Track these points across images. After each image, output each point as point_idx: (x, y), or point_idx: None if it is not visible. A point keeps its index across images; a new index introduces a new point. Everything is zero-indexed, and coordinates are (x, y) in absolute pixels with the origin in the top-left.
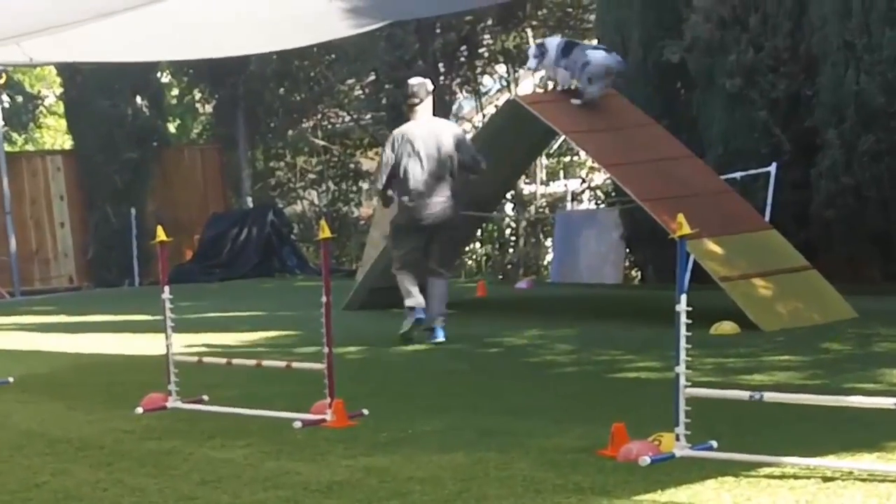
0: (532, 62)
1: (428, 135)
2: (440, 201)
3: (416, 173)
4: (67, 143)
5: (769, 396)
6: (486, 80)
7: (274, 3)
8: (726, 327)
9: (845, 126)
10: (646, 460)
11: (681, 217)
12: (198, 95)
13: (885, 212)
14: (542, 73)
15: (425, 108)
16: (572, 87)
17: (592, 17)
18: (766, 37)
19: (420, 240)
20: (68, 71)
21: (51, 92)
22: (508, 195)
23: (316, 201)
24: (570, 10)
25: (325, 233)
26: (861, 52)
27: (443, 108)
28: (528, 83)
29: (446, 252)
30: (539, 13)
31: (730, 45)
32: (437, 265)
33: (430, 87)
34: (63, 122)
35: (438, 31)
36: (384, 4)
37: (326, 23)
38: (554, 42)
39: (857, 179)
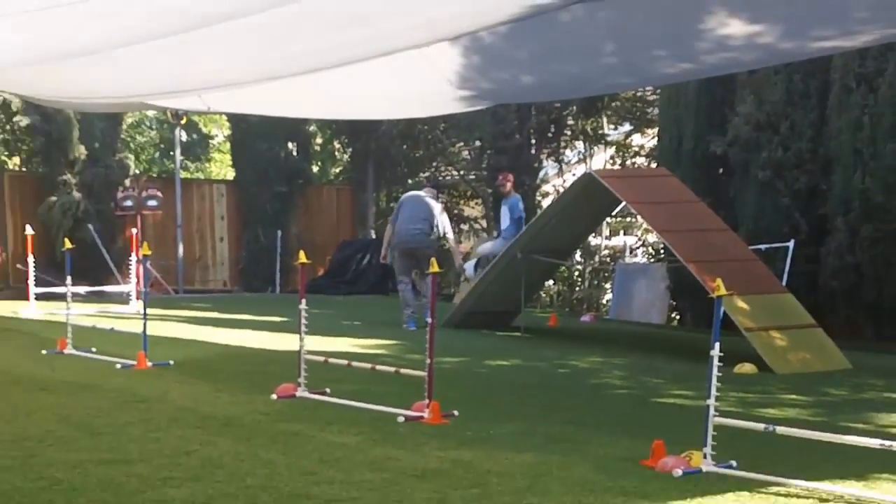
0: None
1: None
2: None
3: None
4: (230, 175)
5: (780, 430)
6: (568, 153)
7: (403, 84)
8: (747, 368)
9: (851, 216)
10: (678, 472)
11: (719, 280)
12: (337, 145)
13: (879, 286)
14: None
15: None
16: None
17: (656, 110)
18: (792, 140)
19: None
20: (236, 118)
21: (220, 132)
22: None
23: None
24: (638, 104)
25: (434, 268)
26: (867, 158)
27: (531, 173)
28: (599, 158)
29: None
30: (613, 104)
31: (763, 144)
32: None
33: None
34: (228, 158)
35: (533, 112)
36: (492, 92)
37: (445, 101)
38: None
39: (858, 259)
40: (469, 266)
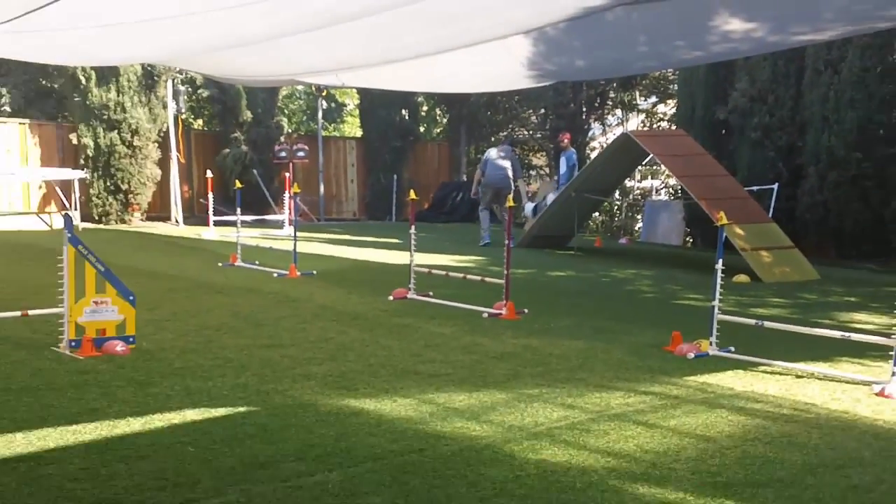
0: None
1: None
2: None
3: None
4: (359, 133)
5: (767, 324)
6: (609, 118)
7: (488, 66)
8: (742, 278)
9: (820, 166)
10: (691, 355)
11: (722, 213)
12: (438, 111)
13: (840, 218)
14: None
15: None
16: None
17: (676, 86)
18: (776, 109)
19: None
20: (363, 91)
21: (351, 102)
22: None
23: None
24: (662, 81)
25: (510, 203)
26: (832, 123)
27: (582, 133)
28: (633, 122)
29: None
30: (644, 81)
31: (755, 112)
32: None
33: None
34: (357, 121)
35: (584, 87)
36: (554, 72)
37: (518, 79)
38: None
39: (825, 198)
40: (528, 206)
